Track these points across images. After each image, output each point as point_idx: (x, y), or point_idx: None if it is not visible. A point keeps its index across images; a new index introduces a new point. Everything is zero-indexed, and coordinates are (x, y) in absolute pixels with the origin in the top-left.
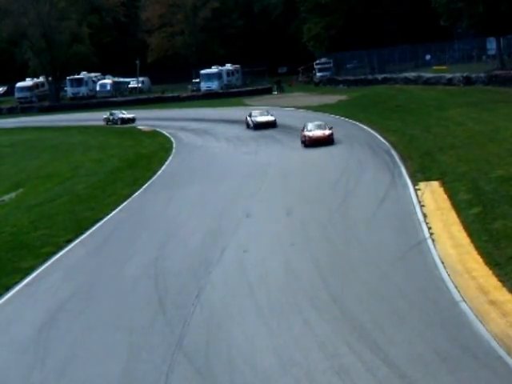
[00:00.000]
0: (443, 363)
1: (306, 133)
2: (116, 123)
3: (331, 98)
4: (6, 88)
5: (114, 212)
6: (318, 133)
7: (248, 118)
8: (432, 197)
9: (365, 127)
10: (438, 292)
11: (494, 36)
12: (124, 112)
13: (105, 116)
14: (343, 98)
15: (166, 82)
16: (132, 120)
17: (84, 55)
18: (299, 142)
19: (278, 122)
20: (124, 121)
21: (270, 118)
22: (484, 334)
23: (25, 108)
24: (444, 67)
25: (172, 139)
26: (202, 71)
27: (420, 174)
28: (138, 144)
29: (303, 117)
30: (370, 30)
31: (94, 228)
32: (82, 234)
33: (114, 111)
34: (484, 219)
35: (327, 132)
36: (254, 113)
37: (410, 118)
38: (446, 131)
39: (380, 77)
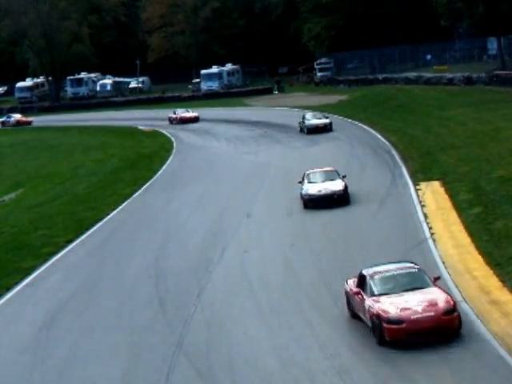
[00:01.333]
0: (444, 363)
1: None
2: (303, 131)
3: (332, 98)
4: (6, 88)
5: (114, 212)
6: None
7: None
8: (433, 197)
9: (365, 127)
10: None
11: (495, 36)
12: (318, 115)
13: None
14: (344, 97)
15: (167, 81)
16: (325, 127)
17: (84, 55)
18: (300, 142)
19: (279, 122)
20: (310, 130)
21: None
22: (485, 334)
23: (25, 108)
24: (445, 67)
25: (172, 139)
26: (203, 71)
27: (421, 174)
28: (138, 144)
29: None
30: (371, 30)
31: (94, 228)
32: (82, 234)
33: (306, 114)
34: (485, 219)
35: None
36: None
37: (410, 117)
38: (446, 131)
39: (381, 77)
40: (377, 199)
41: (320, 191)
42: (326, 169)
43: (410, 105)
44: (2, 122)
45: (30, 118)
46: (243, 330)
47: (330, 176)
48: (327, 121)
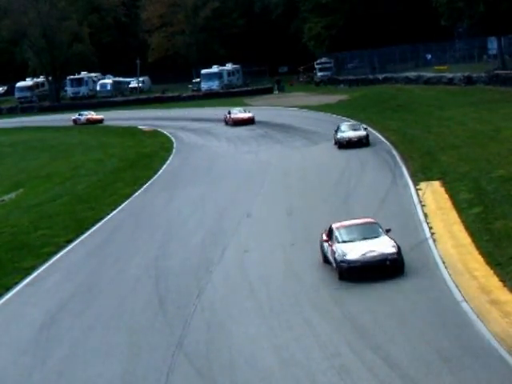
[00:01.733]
0: (444, 363)
1: None
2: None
3: (332, 98)
4: (6, 88)
5: (114, 212)
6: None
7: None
8: (433, 197)
9: (366, 127)
10: (439, 292)
11: (495, 35)
12: (356, 126)
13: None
14: (344, 97)
15: (167, 81)
16: (360, 141)
17: (84, 55)
18: (299, 142)
19: (280, 122)
20: (342, 144)
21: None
22: (485, 334)
23: (25, 108)
24: (445, 67)
25: (172, 139)
26: (203, 71)
27: (421, 174)
28: (138, 144)
29: (304, 117)
30: (371, 30)
31: (94, 228)
32: (82, 233)
33: (342, 125)
34: (485, 219)
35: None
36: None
37: (410, 117)
38: (446, 131)
39: (381, 76)
40: (377, 199)
41: (364, 255)
42: (362, 221)
43: (410, 105)
44: (74, 120)
45: (100, 116)
46: (243, 330)
47: (370, 231)
48: (363, 133)
